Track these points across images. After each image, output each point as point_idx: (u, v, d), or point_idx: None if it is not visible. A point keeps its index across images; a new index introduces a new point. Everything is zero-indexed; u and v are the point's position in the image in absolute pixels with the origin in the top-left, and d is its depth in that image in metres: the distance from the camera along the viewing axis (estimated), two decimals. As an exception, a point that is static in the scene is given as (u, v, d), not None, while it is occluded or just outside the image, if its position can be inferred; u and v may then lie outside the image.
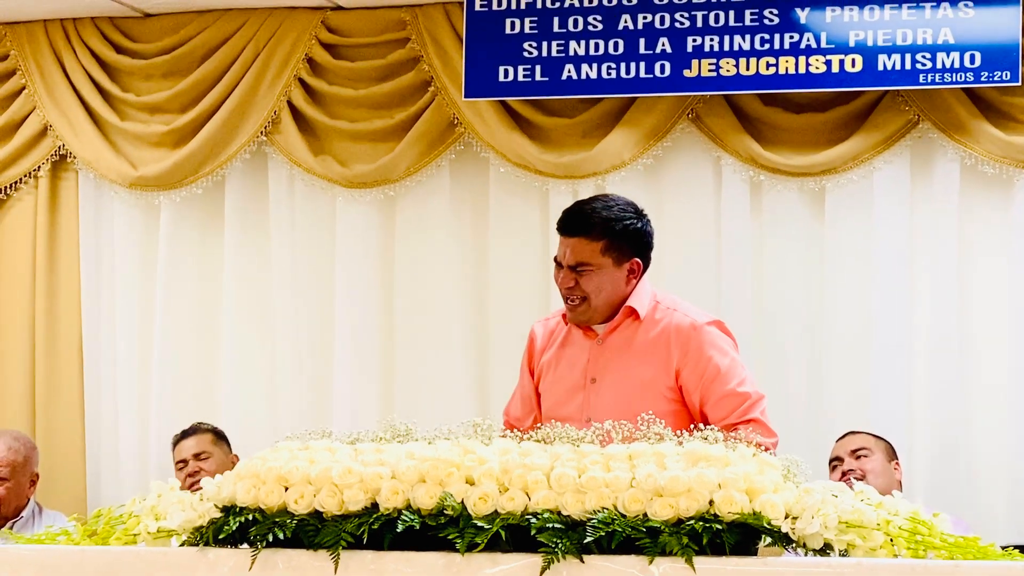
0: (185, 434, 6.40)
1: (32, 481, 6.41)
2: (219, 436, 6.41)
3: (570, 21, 6.43)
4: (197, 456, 6.30)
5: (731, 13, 6.29)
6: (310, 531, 3.65)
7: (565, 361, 4.62)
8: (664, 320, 4.52)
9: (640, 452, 3.60)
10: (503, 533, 3.51)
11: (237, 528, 3.71)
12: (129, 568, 3.77)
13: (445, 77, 6.61)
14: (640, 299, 4.54)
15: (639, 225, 4.53)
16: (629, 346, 4.53)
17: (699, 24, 6.31)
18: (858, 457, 5.83)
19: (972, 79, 6.10)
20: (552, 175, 6.51)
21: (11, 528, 6.17)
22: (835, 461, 5.87)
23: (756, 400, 4.47)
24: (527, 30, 6.47)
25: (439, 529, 3.56)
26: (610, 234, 4.47)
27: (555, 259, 4.55)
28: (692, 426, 3.75)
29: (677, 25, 6.33)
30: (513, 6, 6.49)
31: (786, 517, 3.48)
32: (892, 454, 5.90)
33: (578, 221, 4.51)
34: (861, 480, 5.39)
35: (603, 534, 3.45)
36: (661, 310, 4.54)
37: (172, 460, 6.41)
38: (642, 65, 6.35)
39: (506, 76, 6.47)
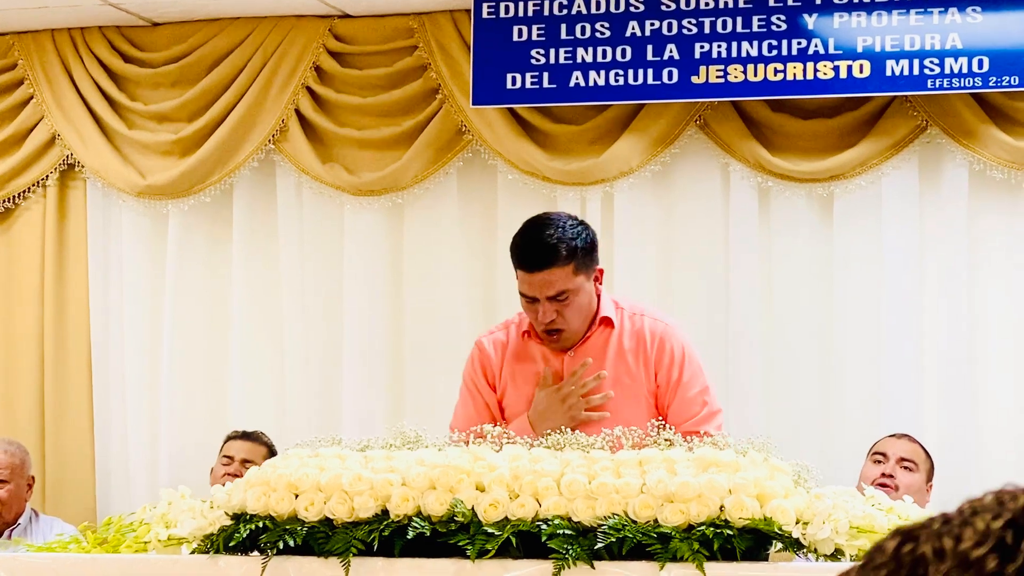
0: (245, 435, 6.28)
1: (28, 485, 6.41)
2: (272, 455, 6.32)
3: (578, 28, 6.43)
4: (244, 463, 6.21)
5: (739, 19, 6.28)
6: (320, 538, 3.66)
7: (525, 375, 4.50)
8: (638, 325, 4.46)
9: (650, 458, 3.60)
10: (514, 540, 3.51)
11: (247, 535, 3.71)
12: (140, 576, 3.78)
13: (453, 84, 6.61)
14: (607, 307, 4.48)
15: (588, 234, 4.45)
16: (604, 354, 4.44)
17: (707, 30, 6.30)
18: (905, 467, 5.63)
19: (980, 84, 6.09)
20: (560, 182, 6.51)
21: (10, 535, 6.18)
22: (879, 455, 5.66)
23: (713, 413, 4.42)
24: (535, 37, 6.46)
25: (450, 536, 3.57)
26: (575, 254, 4.37)
27: (523, 294, 4.39)
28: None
29: (685, 32, 6.32)
30: (520, 13, 6.48)
31: (797, 522, 3.48)
32: (931, 475, 5.72)
33: (543, 253, 4.36)
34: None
35: (614, 540, 3.46)
36: (628, 315, 4.48)
37: (217, 452, 6.28)
38: (650, 72, 6.35)
39: (514, 83, 6.47)
